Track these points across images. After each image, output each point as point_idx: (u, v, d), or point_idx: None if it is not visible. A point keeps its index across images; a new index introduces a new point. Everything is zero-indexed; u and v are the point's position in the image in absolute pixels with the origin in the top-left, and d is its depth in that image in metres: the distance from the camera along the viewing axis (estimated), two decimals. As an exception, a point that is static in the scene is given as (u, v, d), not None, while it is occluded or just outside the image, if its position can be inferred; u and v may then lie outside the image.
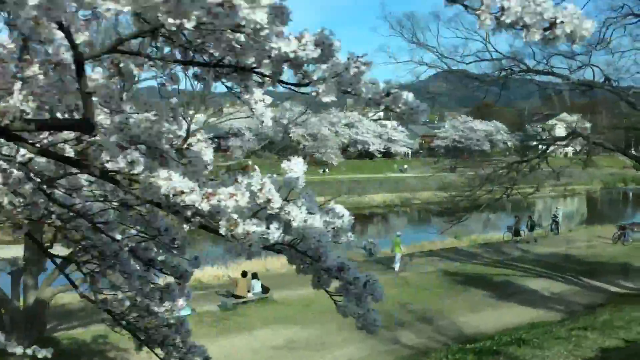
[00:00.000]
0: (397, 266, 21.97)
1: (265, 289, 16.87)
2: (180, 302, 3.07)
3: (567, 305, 16.77)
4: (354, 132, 74.34)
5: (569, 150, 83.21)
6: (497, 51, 18.94)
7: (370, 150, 75.14)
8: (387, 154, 76.02)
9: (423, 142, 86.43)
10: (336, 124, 73.85)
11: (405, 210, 53.36)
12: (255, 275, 17.09)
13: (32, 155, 2.14)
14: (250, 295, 16.49)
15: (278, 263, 22.52)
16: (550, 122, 64.57)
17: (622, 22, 16.20)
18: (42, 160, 2.28)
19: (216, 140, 69.98)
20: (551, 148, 19.78)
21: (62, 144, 2.19)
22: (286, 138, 70.48)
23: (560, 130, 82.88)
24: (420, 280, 19.74)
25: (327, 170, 69.06)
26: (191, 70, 1.86)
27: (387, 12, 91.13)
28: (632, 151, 38.16)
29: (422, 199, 51.77)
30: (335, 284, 2.11)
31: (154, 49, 1.76)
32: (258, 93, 1.95)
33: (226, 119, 25.76)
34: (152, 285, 2.94)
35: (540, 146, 19.37)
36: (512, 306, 16.63)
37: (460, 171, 26.61)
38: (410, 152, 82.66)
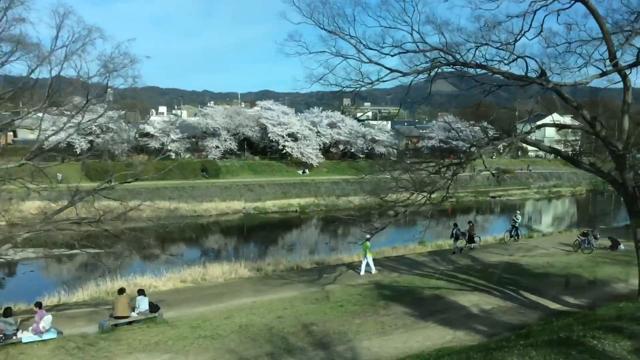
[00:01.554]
0: (362, 270, 21.25)
1: (154, 307, 15.11)
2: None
3: (492, 325, 14.95)
4: (336, 133, 72.50)
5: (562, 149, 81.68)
6: (425, 42, 17.18)
7: (353, 151, 73.34)
8: (371, 155, 74.06)
9: (409, 142, 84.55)
10: (318, 124, 72.07)
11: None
12: (141, 292, 15.33)
13: None
14: (134, 314, 14.74)
15: (187, 277, 21.03)
16: (543, 121, 63.18)
17: (552, 6, 14.39)
18: None
19: (193, 139, 68.61)
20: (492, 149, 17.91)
21: None
22: (265, 138, 68.81)
23: (549, 132, 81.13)
24: (343, 295, 17.97)
25: (307, 171, 67.34)
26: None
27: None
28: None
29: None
30: None
31: None
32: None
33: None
34: None
35: (473, 149, 17.61)
36: (429, 327, 14.84)
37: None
38: (395, 153, 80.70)
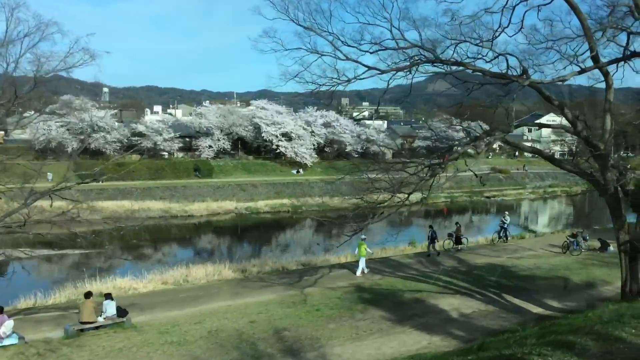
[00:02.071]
0: (358, 271, 21.03)
1: (121, 312, 14.66)
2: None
3: (471, 330, 14.51)
4: (330, 132, 72.02)
5: (557, 149, 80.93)
6: (404, 39, 16.72)
7: (347, 150, 72.86)
8: (366, 155, 73.55)
9: (404, 142, 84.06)
10: (312, 124, 71.57)
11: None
12: (108, 296, 14.88)
13: None
14: (100, 319, 14.29)
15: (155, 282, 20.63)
16: (538, 121, 62.56)
17: (532, 1, 13.93)
18: None
19: (186, 139, 68.17)
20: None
21: None
22: (259, 137, 68.35)
23: (546, 132, 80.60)
24: (321, 298, 17.53)
25: (301, 171, 66.89)
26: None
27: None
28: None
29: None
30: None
31: None
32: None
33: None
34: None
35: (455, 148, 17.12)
36: (405, 332, 14.41)
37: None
38: (391, 153, 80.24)
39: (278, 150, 67.35)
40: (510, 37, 14.67)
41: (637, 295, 13.93)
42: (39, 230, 14.21)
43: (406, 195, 15.45)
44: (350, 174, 17.51)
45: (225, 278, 21.33)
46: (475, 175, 19.46)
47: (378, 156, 72.89)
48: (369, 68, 15.92)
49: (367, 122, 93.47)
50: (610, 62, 13.00)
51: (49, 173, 53.86)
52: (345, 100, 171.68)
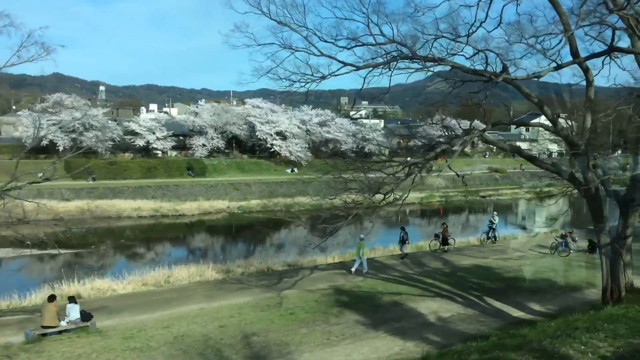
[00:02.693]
0: (362, 268, 21.08)
1: (86, 316, 14.20)
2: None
3: (447, 335, 14.04)
4: (326, 131, 71.48)
5: (555, 148, 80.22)
6: (382, 34, 16.23)
7: (343, 149, 72.26)
8: (362, 154, 73.02)
9: (401, 141, 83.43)
10: (307, 122, 71.05)
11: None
12: (72, 299, 14.41)
13: None
14: (63, 323, 13.83)
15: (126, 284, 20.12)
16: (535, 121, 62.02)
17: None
18: None
19: (180, 137, 67.67)
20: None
21: None
22: (254, 136, 67.85)
23: (543, 130, 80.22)
24: (297, 301, 17.07)
25: (295, 170, 66.37)
26: None
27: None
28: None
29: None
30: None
31: None
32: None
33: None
34: None
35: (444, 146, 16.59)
36: (379, 337, 13.94)
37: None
38: (388, 152, 79.63)
39: (273, 149, 66.86)
40: (489, 32, 14.11)
41: (618, 300, 13.45)
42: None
43: (382, 196, 14.97)
44: (327, 173, 17.02)
45: (207, 279, 20.88)
46: (457, 175, 18.99)
47: (375, 155, 72.45)
48: (345, 64, 15.45)
49: (364, 121, 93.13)
50: (588, 58, 12.51)
51: (38, 173, 53.52)
52: (344, 99, 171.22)
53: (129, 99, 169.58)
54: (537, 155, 24.91)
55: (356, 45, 16.11)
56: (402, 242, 24.00)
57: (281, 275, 21.01)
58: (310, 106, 75.08)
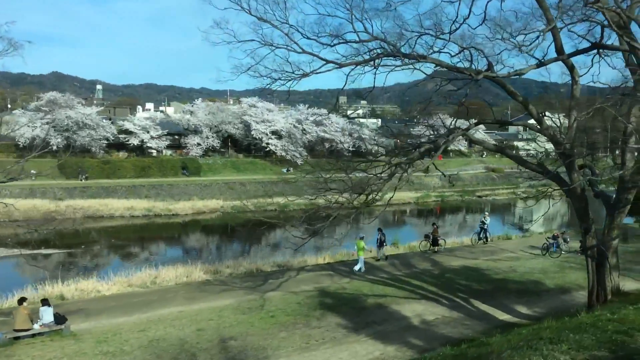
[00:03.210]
0: (357, 267, 21.25)
1: (60, 319, 13.87)
2: None
3: (429, 339, 13.71)
4: (322, 130, 71.16)
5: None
6: (366, 31, 15.88)
7: (339, 149, 71.98)
8: (358, 153, 72.69)
9: (398, 140, 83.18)
10: (303, 122, 70.73)
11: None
12: (45, 302, 14.07)
13: None
14: (36, 326, 13.50)
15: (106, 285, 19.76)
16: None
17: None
18: None
19: (175, 136, 67.36)
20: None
21: None
22: (249, 135, 67.53)
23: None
24: (280, 304, 16.74)
25: (290, 169, 66.03)
26: None
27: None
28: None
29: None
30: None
31: None
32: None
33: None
34: None
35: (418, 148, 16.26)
36: (359, 341, 13.61)
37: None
38: (384, 151, 79.13)
39: (268, 149, 66.59)
40: (473, 29, 13.76)
41: (604, 304, 13.12)
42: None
43: (364, 197, 14.63)
44: (310, 173, 16.69)
45: (193, 280, 20.57)
46: (444, 175, 18.71)
47: (371, 154, 71.93)
48: (327, 61, 15.09)
49: (362, 120, 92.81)
50: (572, 55, 12.16)
51: (32, 171, 53.15)
52: (343, 99, 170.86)
53: (127, 98, 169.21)
54: (536, 155, 24.54)
55: (339, 43, 15.77)
56: (380, 244, 23.53)
57: (267, 276, 20.70)
58: (307, 105, 74.73)
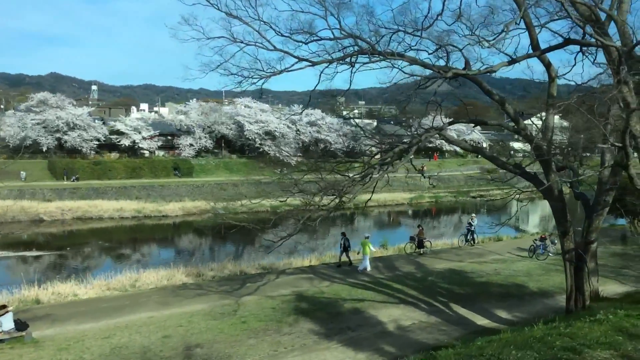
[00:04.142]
0: (361, 267, 21.35)
1: (21, 325, 13.42)
2: None
3: (402, 346, 13.26)
4: (316, 131, 70.71)
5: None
6: (341, 29, 15.44)
7: (333, 149, 71.49)
8: (352, 154, 72.17)
9: (392, 141, 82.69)
10: (297, 122, 70.22)
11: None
12: (3, 308, 13.60)
13: None
14: (-6, 334, 13.05)
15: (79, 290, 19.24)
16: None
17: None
18: None
19: (168, 137, 66.89)
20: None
21: None
22: (243, 136, 67.06)
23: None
24: (254, 308, 16.28)
25: (285, 170, 65.49)
26: None
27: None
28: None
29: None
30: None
31: None
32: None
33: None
34: None
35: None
36: (330, 348, 13.16)
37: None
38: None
39: (262, 149, 66.12)
40: (449, 25, 13.32)
41: (582, 309, 12.67)
42: None
43: (337, 199, 14.17)
44: (286, 174, 16.24)
45: (174, 284, 20.10)
46: (424, 176, 18.27)
47: (361, 154, 71.36)
48: (300, 59, 14.65)
49: (357, 120, 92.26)
50: (545, 51, 11.69)
51: (21, 172, 52.71)
52: (341, 99, 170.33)
53: (125, 98, 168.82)
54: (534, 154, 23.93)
55: (314, 40, 15.37)
56: (344, 249, 22.25)
57: (245, 280, 20.23)
58: (301, 105, 74.21)
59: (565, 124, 40.84)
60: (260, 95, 18.10)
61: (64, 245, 34.55)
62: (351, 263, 22.40)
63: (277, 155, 65.70)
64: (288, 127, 68.45)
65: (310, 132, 70.22)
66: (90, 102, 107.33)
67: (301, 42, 15.46)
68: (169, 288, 19.17)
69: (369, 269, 21.21)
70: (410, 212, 54.87)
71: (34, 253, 31.93)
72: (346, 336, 13.96)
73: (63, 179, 52.24)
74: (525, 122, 15.48)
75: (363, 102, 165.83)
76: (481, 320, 15.30)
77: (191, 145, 63.71)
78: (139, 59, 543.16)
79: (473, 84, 14.88)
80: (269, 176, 20.63)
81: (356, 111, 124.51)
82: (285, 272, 21.72)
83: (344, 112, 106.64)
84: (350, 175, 13.97)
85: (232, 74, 14.67)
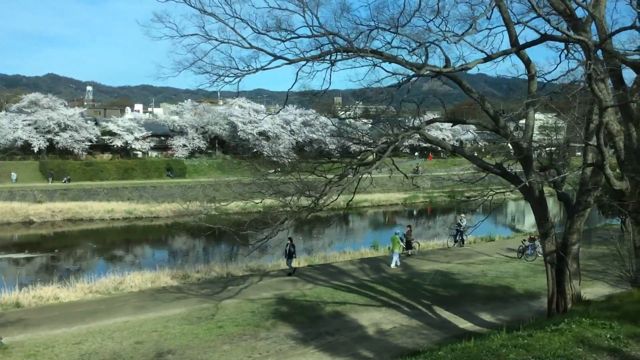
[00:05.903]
0: (393, 263, 21.88)
1: (-11, 332, 13.08)
2: None
3: (380, 351, 12.93)
4: (310, 131, 70.39)
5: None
6: (320, 26, 15.11)
7: (327, 150, 71.21)
8: (346, 154, 71.88)
9: (388, 140, 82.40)
10: (291, 122, 69.97)
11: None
12: (-28, 314, 13.27)
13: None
14: (-39, 340, 12.70)
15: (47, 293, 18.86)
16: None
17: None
18: None
19: (161, 138, 66.52)
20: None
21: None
22: (236, 137, 66.75)
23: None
24: (233, 312, 15.95)
25: (279, 170, 65.20)
26: None
27: None
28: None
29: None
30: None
31: None
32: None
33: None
34: None
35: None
36: (306, 353, 12.82)
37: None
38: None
39: (255, 150, 65.79)
40: (427, 22, 12.98)
41: (564, 312, 12.35)
42: None
43: (313, 200, 13.83)
44: (265, 174, 15.93)
45: (158, 286, 19.75)
46: (406, 176, 18.01)
47: (357, 155, 70.97)
48: (276, 57, 14.29)
49: (352, 120, 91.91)
50: (522, 47, 11.36)
51: (12, 173, 52.33)
52: (338, 99, 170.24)
53: (121, 99, 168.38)
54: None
55: (291, 38, 15.00)
56: (289, 255, 20.94)
57: (228, 282, 19.90)
58: (295, 106, 74.00)
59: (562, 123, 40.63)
60: (237, 94, 17.82)
61: (53, 247, 34.17)
62: (294, 270, 21.16)
63: (270, 155, 65.44)
64: (282, 127, 68.14)
65: (304, 133, 69.89)
66: (85, 103, 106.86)
67: (278, 39, 15.09)
68: (148, 292, 18.82)
69: (398, 263, 21.93)
70: (404, 211, 54.66)
71: (22, 255, 31.57)
72: (324, 341, 13.62)
73: (47, 180, 51.72)
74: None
75: (360, 102, 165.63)
76: (464, 324, 14.98)
77: (184, 145, 63.39)
78: (137, 60, 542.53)
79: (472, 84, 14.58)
80: (247, 177, 20.16)
81: (349, 112, 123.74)
82: (269, 274, 21.36)
83: (340, 113, 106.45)
84: (328, 176, 13.63)
85: (206, 72, 14.32)
